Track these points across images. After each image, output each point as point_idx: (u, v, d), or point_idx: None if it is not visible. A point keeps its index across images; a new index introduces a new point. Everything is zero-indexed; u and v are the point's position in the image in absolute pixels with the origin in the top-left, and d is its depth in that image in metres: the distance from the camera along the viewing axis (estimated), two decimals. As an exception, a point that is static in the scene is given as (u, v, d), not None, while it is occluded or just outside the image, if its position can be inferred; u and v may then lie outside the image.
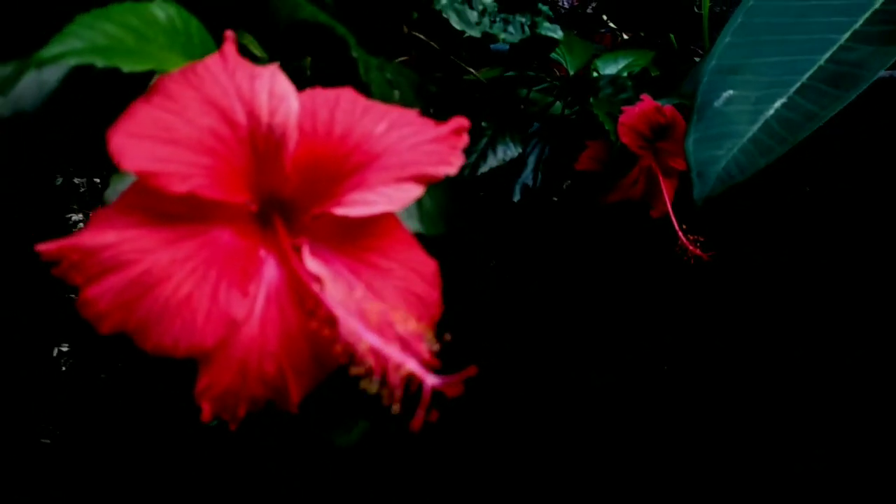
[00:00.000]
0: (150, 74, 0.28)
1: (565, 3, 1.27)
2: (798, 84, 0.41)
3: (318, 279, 0.26)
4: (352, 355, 0.25)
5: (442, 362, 0.26)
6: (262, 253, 0.27)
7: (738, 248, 0.72)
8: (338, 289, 0.26)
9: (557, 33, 0.56)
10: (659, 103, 0.61)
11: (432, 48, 0.65)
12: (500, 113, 0.64)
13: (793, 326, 0.72)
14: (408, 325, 0.26)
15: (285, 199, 0.28)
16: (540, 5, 0.57)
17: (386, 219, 0.28)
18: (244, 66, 0.26)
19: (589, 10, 1.20)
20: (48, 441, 0.71)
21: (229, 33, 0.26)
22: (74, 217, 0.90)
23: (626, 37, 1.10)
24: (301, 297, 0.27)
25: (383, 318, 0.26)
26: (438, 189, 0.34)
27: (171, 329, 0.24)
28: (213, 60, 0.25)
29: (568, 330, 0.73)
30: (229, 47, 0.26)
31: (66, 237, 0.23)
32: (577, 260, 0.72)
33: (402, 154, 0.27)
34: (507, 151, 0.61)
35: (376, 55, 0.37)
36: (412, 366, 0.25)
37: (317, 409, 0.29)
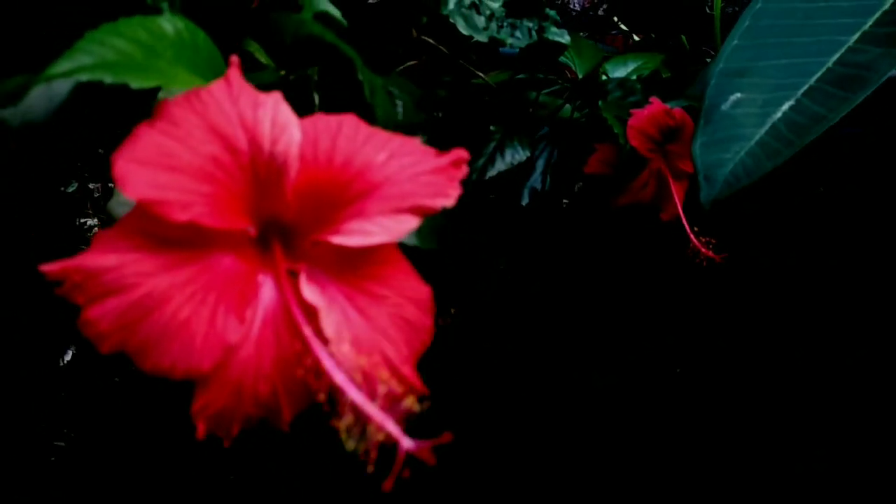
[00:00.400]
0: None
1: (576, 5, 1.26)
2: (806, 86, 0.40)
3: (313, 308, 0.27)
4: (334, 406, 0.26)
5: (446, 367, 0.26)
6: (260, 277, 0.27)
7: (748, 250, 0.71)
8: (332, 319, 0.27)
9: (565, 38, 0.56)
10: (668, 106, 0.61)
11: (441, 52, 0.65)
12: (508, 116, 0.64)
13: (801, 329, 0.72)
14: (391, 384, 0.26)
15: (285, 224, 0.28)
16: (547, 10, 0.57)
17: (383, 246, 0.28)
18: (248, 92, 0.26)
19: (600, 12, 1.20)
20: (62, 444, 0.72)
21: (234, 58, 0.26)
22: (90, 221, 0.91)
23: (637, 38, 1.09)
24: (296, 323, 0.27)
25: (370, 374, 0.26)
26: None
27: (169, 351, 0.25)
28: (217, 87, 0.26)
29: (571, 331, 0.73)
30: (234, 73, 0.26)
31: (70, 258, 0.24)
32: (585, 263, 0.72)
33: (402, 185, 0.28)
34: (515, 155, 0.61)
35: (383, 70, 0.38)
36: (390, 428, 0.25)
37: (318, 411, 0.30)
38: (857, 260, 0.69)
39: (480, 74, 0.67)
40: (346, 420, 0.25)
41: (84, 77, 0.25)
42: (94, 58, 0.26)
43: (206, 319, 0.25)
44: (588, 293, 0.73)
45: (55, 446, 0.73)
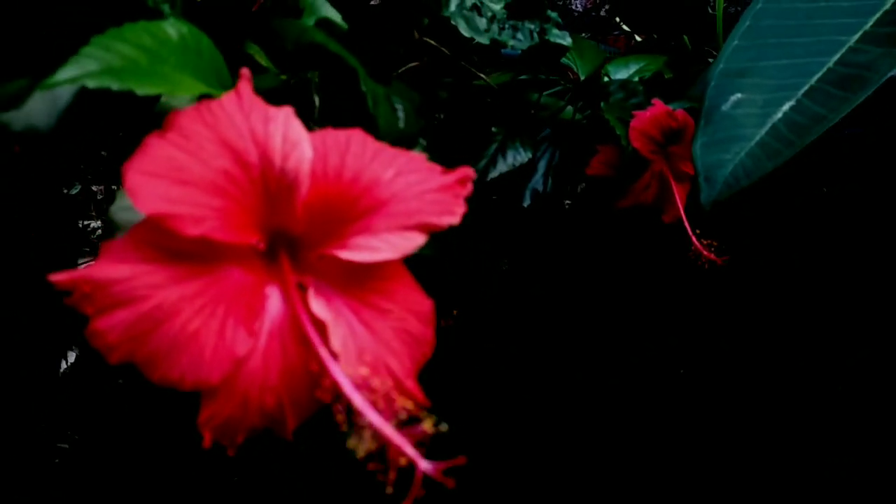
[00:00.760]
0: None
1: (578, 6, 1.27)
2: (806, 87, 0.40)
3: (321, 322, 0.27)
4: (352, 424, 0.26)
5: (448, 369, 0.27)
6: (268, 289, 0.28)
7: (749, 252, 0.71)
8: (339, 333, 0.27)
9: (566, 40, 0.56)
10: (670, 108, 0.61)
11: (443, 53, 0.65)
12: (510, 118, 0.64)
13: (803, 330, 0.72)
14: (408, 403, 0.26)
15: (292, 237, 0.28)
16: (549, 12, 0.57)
17: (388, 261, 0.29)
18: (259, 106, 0.26)
19: (602, 13, 1.20)
20: (66, 446, 0.72)
21: (245, 71, 0.26)
22: (93, 224, 0.92)
23: (639, 39, 1.09)
24: (304, 336, 0.28)
25: (380, 390, 0.26)
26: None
27: (178, 364, 0.25)
28: (228, 100, 0.26)
29: (573, 333, 0.73)
30: (244, 86, 0.26)
31: (79, 269, 0.24)
32: (587, 265, 0.72)
33: (409, 202, 0.28)
34: (517, 156, 0.61)
35: (384, 73, 0.38)
36: (408, 450, 0.25)
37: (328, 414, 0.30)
38: (859, 260, 0.69)
39: (482, 76, 0.67)
40: (365, 442, 0.25)
41: (91, 83, 0.25)
42: (100, 64, 0.26)
43: (216, 332, 0.25)
44: (590, 295, 0.73)
45: (59, 448, 0.73)
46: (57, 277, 0.24)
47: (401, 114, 0.38)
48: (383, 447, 0.25)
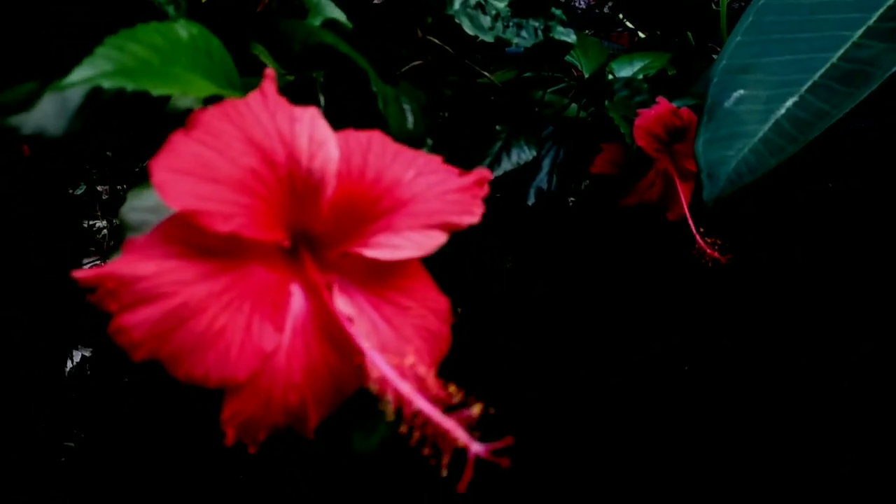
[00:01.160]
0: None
1: (581, 3, 1.26)
2: (810, 82, 0.40)
3: (349, 319, 0.27)
4: (399, 413, 0.26)
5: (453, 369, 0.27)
6: (292, 287, 0.28)
7: (754, 249, 0.71)
8: (362, 329, 0.28)
9: (571, 37, 0.56)
10: (675, 105, 0.61)
11: (447, 52, 0.65)
12: (514, 116, 0.64)
13: (808, 327, 0.72)
14: (450, 387, 0.26)
15: (315, 235, 0.29)
16: (553, 9, 0.57)
17: (408, 259, 0.29)
18: (284, 106, 0.27)
19: (605, 10, 1.20)
20: (72, 444, 0.72)
21: (269, 71, 0.27)
22: (98, 223, 0.92)
23: (642, 36, 1.09)
24: (329, 332, 0.28)
25: (432, 383, 0.26)
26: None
27: (204, 360, 0.25)
28: (254, 99, 0.26)
29: (577, 330, 0.74)
30: (269, 86, 0.26)
31: (103, 266, 0.24)
32: (591, 262, 0.72)
33: (430, 202, 0.29)
34: (521, 155, 0.61)
35: (389, 72, 0.38)
36: (461, 435, 0.25)
37: (336, 413, 0.30)
38: (864, 256, 0.69)
39: (486, 74, 0.67)
40: (417, 429, 0.26)
41: (106, 84, 0.25)
42: (114, 64, 0.26)
43: (243, 328, 0.25)
44: (594, 292, 0.73)
45: (65, 447, 0.74)
46: (81, 274, 0.24)
47: (409, 114, 0.38)
48: (432, 433, 0.26)
